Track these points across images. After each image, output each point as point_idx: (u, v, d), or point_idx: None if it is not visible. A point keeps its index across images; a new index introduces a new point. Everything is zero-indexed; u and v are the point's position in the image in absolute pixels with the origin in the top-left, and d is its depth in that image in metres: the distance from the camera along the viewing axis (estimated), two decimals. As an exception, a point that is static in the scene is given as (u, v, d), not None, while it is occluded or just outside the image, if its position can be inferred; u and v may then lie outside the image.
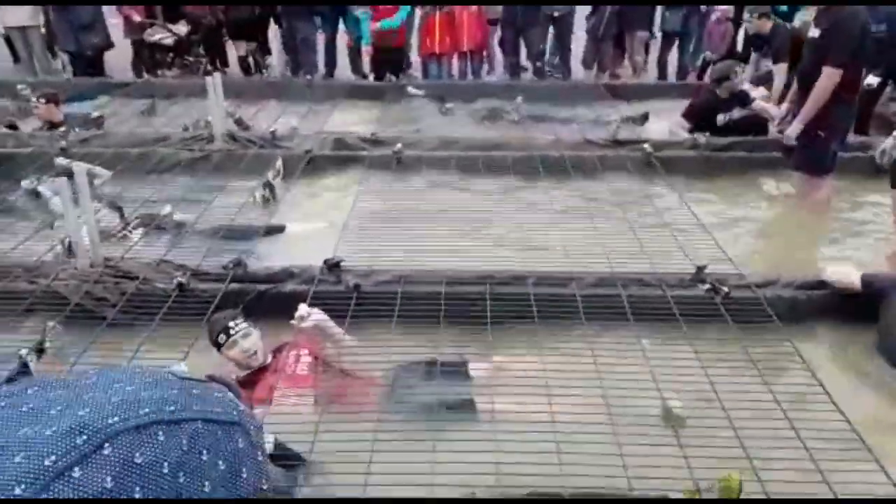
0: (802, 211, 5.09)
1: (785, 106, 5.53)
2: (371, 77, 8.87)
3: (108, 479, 0.47)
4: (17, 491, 0.45)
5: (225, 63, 9.57)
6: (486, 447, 2.43)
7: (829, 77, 4.67)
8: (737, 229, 4.72)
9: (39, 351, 3.00)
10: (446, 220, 4.46)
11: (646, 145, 5.62)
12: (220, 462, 0.52)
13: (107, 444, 0.47)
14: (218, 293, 3.50)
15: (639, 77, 9.26)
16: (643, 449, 2.42)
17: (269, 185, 4.88)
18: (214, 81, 5.75)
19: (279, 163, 5.23)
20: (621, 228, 4.29)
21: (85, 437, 0.47)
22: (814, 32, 4.85)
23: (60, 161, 5.15)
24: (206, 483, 0.50)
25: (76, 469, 0.46)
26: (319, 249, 3.93)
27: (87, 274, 3.69)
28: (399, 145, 5.57)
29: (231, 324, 3.00)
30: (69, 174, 3.89)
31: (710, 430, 2.53)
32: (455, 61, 9.25)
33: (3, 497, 0.46)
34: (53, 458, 0.46)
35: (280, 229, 4.58)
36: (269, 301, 3.58)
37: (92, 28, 8.51)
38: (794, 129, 4.88)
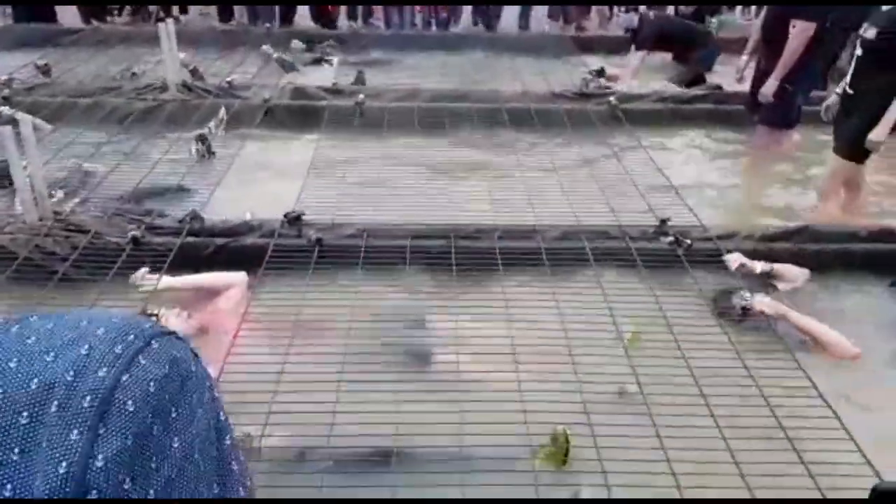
0: (765, 164, 5.13)
1: (744, 58, 5.52)
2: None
3: (166, 366, 0.51)
4: (101, 373, 0.49)
5: (184, 11, 9.19)
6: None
7: (803, 31, 4.67)
8: (700, 182, 4.74)
9: None
10: (409, 173, 4.39)
11: (611, 98, 5.58)
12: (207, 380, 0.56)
13: (154, 341, 0.52)
14: (174, 247, 3.40)
15: (605, 29, 9.16)
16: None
17: (202, 139, 4.67)
18: (168, 29, 5.51)
19: (222, 112, 5.05)
20: (586, 182, 4.27)
21: (132, 336, 0.52)
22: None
23: (4, 110, 4.91)
24: (207, 389, 0.55)
25: (140, 357, 0.51)
26: (280, 202, 3.83)
27: (37, 227, 3.54)
28: (361, 96, 5.42)
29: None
30: (13, 123, 3.70)
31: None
32: (417, 10, 9.02)
33: (91, 380, 0.48)
34: (119, 348, 0.50)
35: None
36: (228, 255, 3.49)
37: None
38: (769, 87, 4.86)
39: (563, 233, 3.66)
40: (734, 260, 3.37)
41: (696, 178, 4.78)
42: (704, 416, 2.38)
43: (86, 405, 0.47)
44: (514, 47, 7.57)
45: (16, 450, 0.46)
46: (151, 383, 0.51)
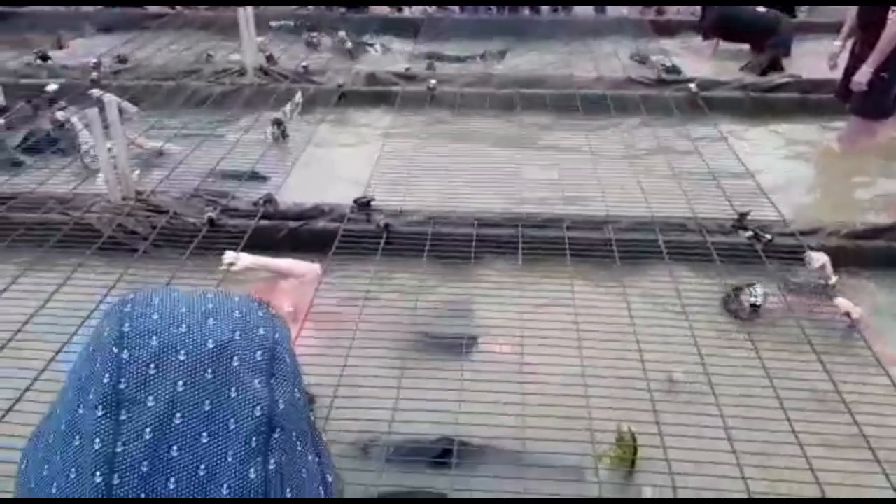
0: (855, 157, 4.84)
1: (837, 43, 5.21)
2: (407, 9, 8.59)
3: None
4: (261, 331, 0.57)
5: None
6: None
7: None
8: (783, 174, 4.51)
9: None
10: (480, 160, 4.35)
11: (691, 85, 5.37)
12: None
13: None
14: (248, 229, 3.48)
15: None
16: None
17: (278, 122, 4.75)
18: (246, 14, 5.62)
19: (298, 97, 5.12)
20: (662, 172, 4.13)
21: (258, 303, 0.62)
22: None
23: (94, 92, 5.12)
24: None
25: (276, 319, 0.62)
26: (352, 187, 3.87)
27: (119, 207, 3.69)
28: (433, 81, 5.41)
29: None
30: (100, 105, 3.85)
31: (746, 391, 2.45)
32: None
33: (256, 337, 0.56)
34: (262, 312, 0.60)
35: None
36: (300, 238, 3.55)
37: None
38: (864, 74, 4.57)
39: (636, 224, 3.56)
40: (817, 259, 3.19)
41: (779, 170, 4.56)
42: (779, 419, 2.27)
43: (258, 358, 0.55)
44: (590, 31, 7.37)
45: (206, 402, 0.51)
46: (289, 340, 0.60)
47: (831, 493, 2.02)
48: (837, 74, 5.04)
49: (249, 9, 5.76)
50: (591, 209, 3.68)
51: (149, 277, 3.22)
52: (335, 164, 4.58)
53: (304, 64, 5.82)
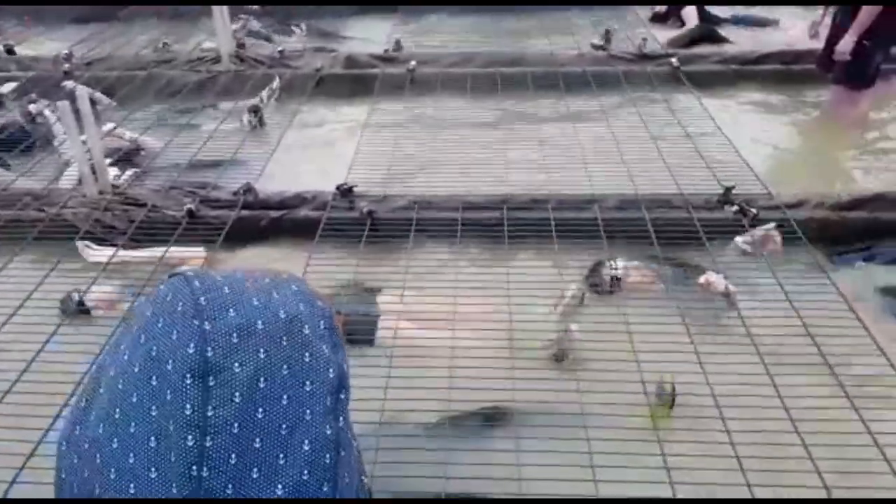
0: (837, 127, 4.83)
1: (819, 12, 5.20)
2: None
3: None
4: (319, 303, 0.62)
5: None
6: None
7: None
8: (767, 148, 4.50)
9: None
10: (463, 141, 4.30)
11: (673, 59, 5.33)
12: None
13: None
14: (228, 219, 3.42)
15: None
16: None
17: (255, 110, 4.66)
18: (220, -2, 5.50)
19: (275, 83, 5.02)
20: (646, 148, 4.09)
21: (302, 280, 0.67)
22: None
23: (68, 84, 5.00)
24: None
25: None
26: (332, 173, 3.81)
27: (96, 201, 3.62)
28: (413, 63, 5.33)
29: None
30: (72, 97, 3.76)
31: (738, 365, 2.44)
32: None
33: (317, 309, 0.61)
34: (311, 287, 0.64)
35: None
36: (282, 227, 3.50)
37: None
38: (846, 44, 4.54)
39: (621, 202, 3.54)
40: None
41: (763, 143, 4.54)
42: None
43: (322, 327, 0.60)
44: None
45: (284, 367, 0.55)
46: None
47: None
48: (818, 44, 5.02)
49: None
50: (576, 189, 3.65)
51: (128, 273, 3.17)
52: (315, 151, 4.51)
53: (279, 49, 5.72)
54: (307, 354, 0.56)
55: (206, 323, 0.53)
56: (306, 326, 0.57)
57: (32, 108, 4.68)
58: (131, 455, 0.51)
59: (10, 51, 5.91)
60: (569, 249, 3.21)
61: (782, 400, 2.25)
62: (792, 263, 3.13)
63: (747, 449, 2.10)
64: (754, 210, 3.38)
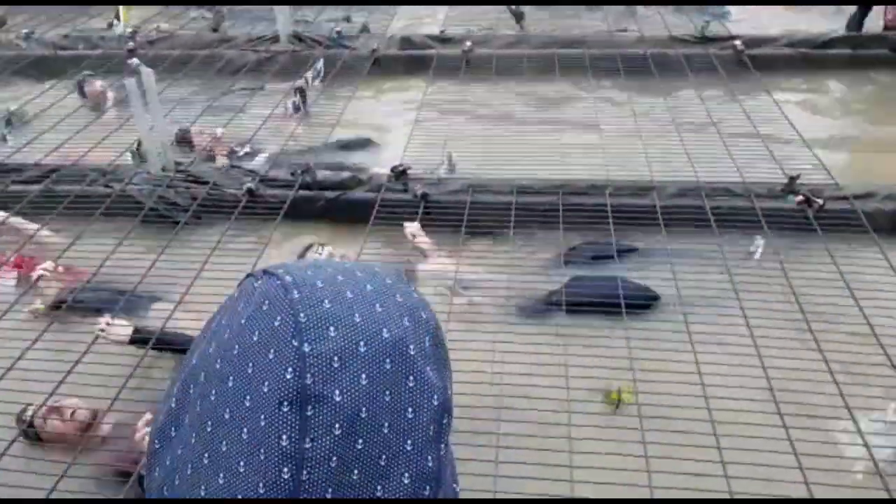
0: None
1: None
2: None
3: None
4: (423, 314, 0.55)
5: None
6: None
7: None
8: (836, 136, 4.34)
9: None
10: (518, 125, 4.26)
11: (737, 42, 5.17)
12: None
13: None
14: (286, 199, 3.47)
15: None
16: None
17: (300, 91, 4.66)
18: (279, -21, 5.55)
19: (319, 64, 5.02)
20: (707, 135, 3.99)
21: (405, 284, 0.58)
22: None
23: (133, 62, 5.12)
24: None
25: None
26: (388, 154, 3.84)
27: (160, 179, 3.71)
28: (468, 43, 5.29)
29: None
30: (137, 75, 3.85)
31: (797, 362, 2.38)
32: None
33: (422, 323, 0.54)
34: (415, 294, 0.56)
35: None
36: (338, 208, 3.54)
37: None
38: None
39: (681, 189, 3.47)
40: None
41: (832, 131, 4.38)
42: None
43: (427, 345, 0.54)
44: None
45: (387, 393, 0.51)
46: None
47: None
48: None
49: (282, -26, 5.68)
50: (635, 174, 3.59)
51: (192, 244, 3.25)
52: (372, 131, 4.53)
53: (337, 29, 5.74)
54: (411, 378, 0.52)
55: (306, 345, 0.50)
56: (411, 346, 0.53)
57: (88, 83, 4.84)
58: (221, 475, 0.50)
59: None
60: (626, 235, 3.16)
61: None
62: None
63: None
64: (820, 200, 3.27)
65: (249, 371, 0.51)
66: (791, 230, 3.17)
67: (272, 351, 0.51)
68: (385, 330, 0.52)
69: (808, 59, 5.16)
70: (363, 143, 4.35)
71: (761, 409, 2.22)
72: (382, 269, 0.59)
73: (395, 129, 4.43)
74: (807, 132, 4.00)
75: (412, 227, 3.19)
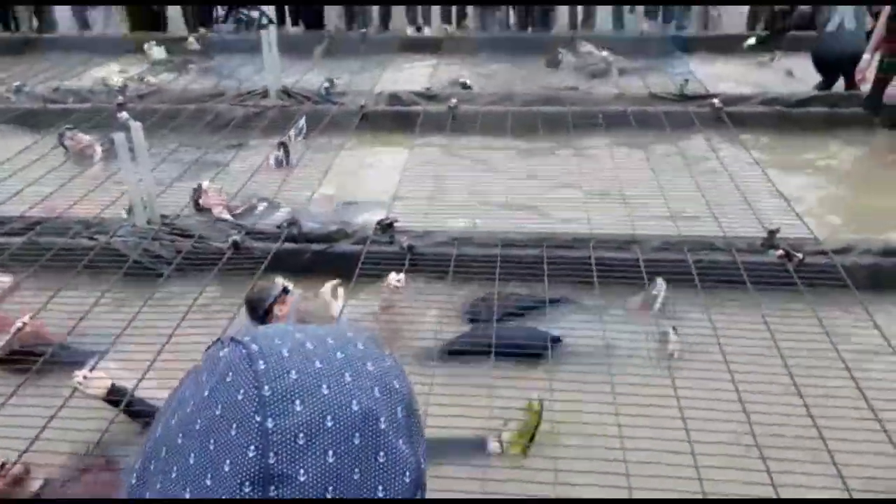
0: (886, 171, 4.74)
1: (867, 56, 5.15)
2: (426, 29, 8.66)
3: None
4: (396, 384, 0.52)
5: (282, 19, 9.46)
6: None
7: None
8: (813, 191, 4.44)
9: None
10: (503, 179, 4.32)
11: (715, 100, 5.32)
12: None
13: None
14: (271, 251, 3.48)
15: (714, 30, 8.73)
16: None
17: (283, 146, 4.72)
18: (269, 36, 5.68)
19: (302, 121, 5.10)
20: (688, 189, 4.07)
21: (385, 350, 0.56)
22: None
23: (122, 116, 5.17)
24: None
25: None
26: (375, 207, 3.87)
27: (145, 231, 3.71)
28: (454, 100, 5.41)
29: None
30: (126, 129, 3.88)
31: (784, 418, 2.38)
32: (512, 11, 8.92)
33: (394, 393, 0.51)
34: (389, 360, 0.54)
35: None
36: (324, 260, 3.54)
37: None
38: None
39: (664, 243, 3.51)
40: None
41: (808, 186, 4.48)
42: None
43: (399, 416, 0.51)
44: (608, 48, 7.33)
45: (356, 470, 0.48)
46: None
47: None
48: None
49: (273, 31, 5.82)
50: (617, 228, 3.63)
51: (173, 298, 3.23)
52: (358, 186, 4.57)
53: (326, 85, 5.85)
54: (382, 454, 0.50)
55: (270, 420, 0.48)
56: (382, 419, 0.50)
57: (68, 138, 4.88)
58: None
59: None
60: (610, 290, 3.19)
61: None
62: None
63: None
64: (800, 255, 3.32)
65: (211, 448, 0.49)
66: (772, 284, 3.21)
67: (234, 426, 0.48)
68: (354, 402, 0.49)
69: (783, 116, 5.31)
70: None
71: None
72: (355, 334, 0.56)
73: (382, 183, 4.47)
74: (784, 187, 4.09)
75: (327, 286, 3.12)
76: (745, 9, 8.79)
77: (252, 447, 0.47)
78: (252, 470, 0.47)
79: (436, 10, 9.11)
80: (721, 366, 2.61)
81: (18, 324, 2.93)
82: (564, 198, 4.05)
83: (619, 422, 2.33)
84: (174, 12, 9.12)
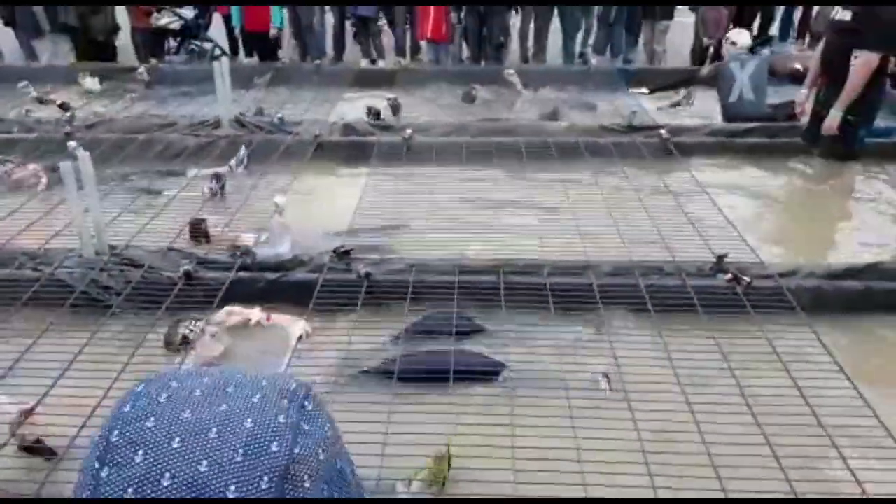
0: (825, 198, 4.95)
1: (804, 91, 5.41)
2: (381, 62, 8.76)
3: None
4: (273, 447, 0.47)
5: (235, 50, 9.45)
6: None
7: (866, 63, 4.55)
8: (757, 217, 4.60)
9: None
10: (458, 207, 4.36)
11: (662, 131, 5.49)
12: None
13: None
14: (225, 281, 3.42)
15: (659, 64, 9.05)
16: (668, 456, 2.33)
17: (217, 177, 4.65)
18: (222, 67, 5.65)
19: (242, 151, 5.06)
20: (638, 216, 4.17)
21: (287, 400, 0.50)
22: (843, 15, 4.71)
23: (71, 145, 5.06)
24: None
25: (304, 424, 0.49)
26: (330, 236, 3.85)
27: (92, 262, 3.61)
28: (409, 131, 5.45)
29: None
30: (73, 158, 3.80)
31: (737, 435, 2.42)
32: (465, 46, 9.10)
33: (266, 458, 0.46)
34: (282, 417, 0.48)
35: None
36: (279, 290, 3.50)
37: (100, 10, 8.43)
38: (833, 119, 4.73)
39: (616, 268, 3.57)
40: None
41: (753, 213, 4.64)
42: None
43: (263, 487, 0.45)
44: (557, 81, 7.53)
45: None
46: (326, 445, 0.50)
47: None
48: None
49: (225, 62, 5.80)
50: (570, 255, 3.69)
51: (120, 334, 3.13)
52: (313, 214, 4.55)
53: (279, 115, 5.84)
54: None
55: (105, 469, 0.45)
56: (232, 488, 0.44)
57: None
58: None
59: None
60: (566, 315, 3.22)
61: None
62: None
63: None
64: (747, 278, 3.41)
65: (74, 490, 0.47)
66: (721, 307, 3.29)
67: (83, 472, 0.46)
68: (205, 463, 0.44)
69: (728, 146, 5.51)
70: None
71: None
72: (268, 383, 0.51)
73: (338, 210, 4.46)
74: (730, 214, 4.22)
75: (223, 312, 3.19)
76: (688, 46, 9.17)
77: (87, 492, 0.45)
78: None
79: (389, 44, 9.26)
80: (675, 386, 2.65)
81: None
82: (518, 224, 4.11)
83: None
84: (124, 42, 9.03)
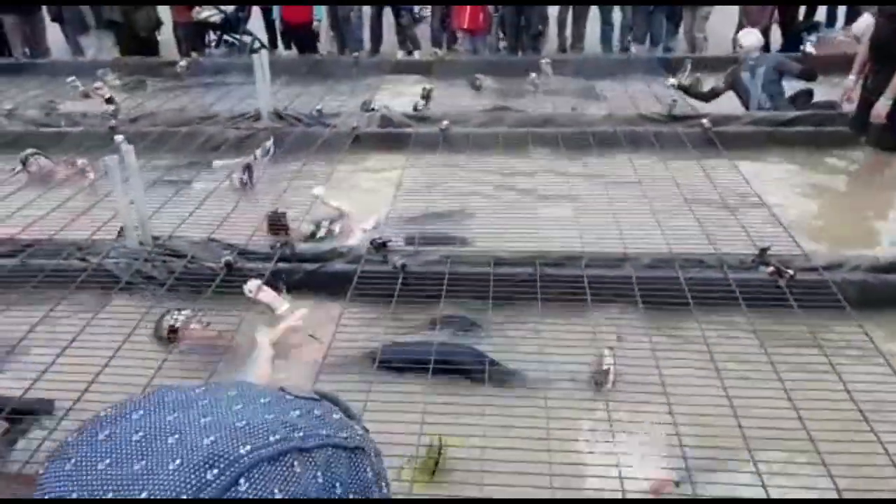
0: (872, 189, 4.81)
1: (851, 77, 5.24)
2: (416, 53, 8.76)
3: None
4: None
5: (274, 43, 9.54)
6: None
7: None
8: (802, 208, 4.48)
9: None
10: (494, 198, 4.35)
11: (704, 120, 5.38)
12: (351, 495, 0.45)
13: (242, 479, 0.41)
14: (265, 272, 3.48)
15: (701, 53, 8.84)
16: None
17: (247, 168, 4.74)
18: (261, 60, 5.72)
19: (269, 143, 5.12)
20: (679, 208, 4.10)
21: (216, 470, 0.40)
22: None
23: (117, 139, 5.17)
24: None
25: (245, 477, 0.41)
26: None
27: (137, 252, 3.70)
28: (445, 122, 5.45)
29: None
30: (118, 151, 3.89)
31: (777, 423, 2.38)
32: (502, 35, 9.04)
33: None
34: (185, 496, 0.39)
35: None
36: (317, 280, 3.54)
37: (143, 6, 8.60)
38: (882, 107, 4.58)
39: (655, 261, 3.53)
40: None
41: (797, 204, 4.53)
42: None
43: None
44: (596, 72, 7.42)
45: None
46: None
47: None
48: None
49: (264, 55, 5.86)
50: (608, 247, 3.65)
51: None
52: (350, 206, 4.58)
53: (318, 107, 5.89)
54: None
55: (69, 463, 0.43)
56: None
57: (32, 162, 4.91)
58: None
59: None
60: (602, 307, 3.20)
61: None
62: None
63: None
64: (791, 271, 3.34)
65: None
66: (763, 301, 3.22)
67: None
68: (146, 493, 0.39)
69: (771, 136, 5.37)
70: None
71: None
72: (268, 406, 0.46)
73: (375, 203, 4.49)
74: (773, 205, 4.13)
75: (251, 285, 3.28)
76: (731, 33, 8.94)
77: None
78: None
79: (425, 34, 9.24)
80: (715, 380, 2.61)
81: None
82: (555, 216, 4.07)
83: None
84: (167, 37, 9.19)
